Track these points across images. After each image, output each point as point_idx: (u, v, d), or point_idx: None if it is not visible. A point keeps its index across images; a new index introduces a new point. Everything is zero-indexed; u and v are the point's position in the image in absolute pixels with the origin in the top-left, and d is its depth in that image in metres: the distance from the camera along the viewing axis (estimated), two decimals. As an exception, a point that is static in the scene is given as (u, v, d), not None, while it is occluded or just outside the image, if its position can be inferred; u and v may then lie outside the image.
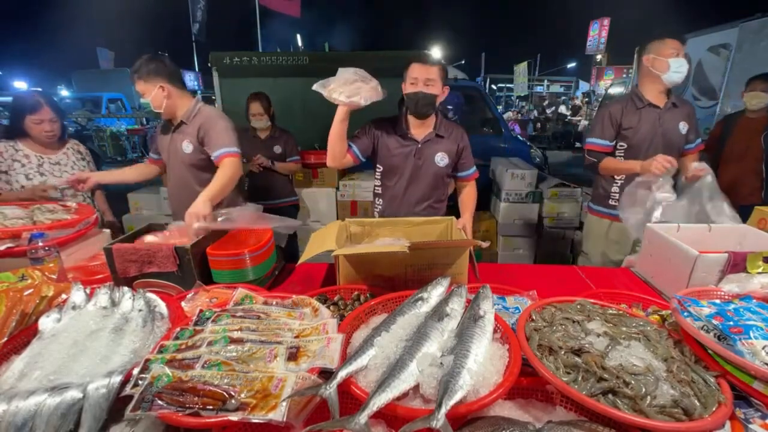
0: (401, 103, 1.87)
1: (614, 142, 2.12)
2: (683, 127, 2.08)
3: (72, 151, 2.24)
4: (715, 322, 0.88)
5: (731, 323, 0.86)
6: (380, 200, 1.98)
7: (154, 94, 1.88)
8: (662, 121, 2.05)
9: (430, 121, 1.86)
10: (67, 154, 2.21)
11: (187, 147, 1.96)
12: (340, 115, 1.67)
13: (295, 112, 3.98)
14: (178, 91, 1.94)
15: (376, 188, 2.00)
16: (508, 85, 23.69)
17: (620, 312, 1.06)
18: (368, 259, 1.32)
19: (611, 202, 2.22)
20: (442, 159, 1.88)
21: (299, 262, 1.39)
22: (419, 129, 1.87)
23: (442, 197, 2.00)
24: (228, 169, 1.85)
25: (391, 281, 1.33)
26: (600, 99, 10.19)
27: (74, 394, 0.72)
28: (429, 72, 1.71)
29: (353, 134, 1.88)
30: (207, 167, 1.97)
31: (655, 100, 2.06)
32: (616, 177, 2.18)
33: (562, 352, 0.87)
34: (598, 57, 21.02)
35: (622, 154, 2.13)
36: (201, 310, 1.02)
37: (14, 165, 2.05)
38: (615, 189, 2.20)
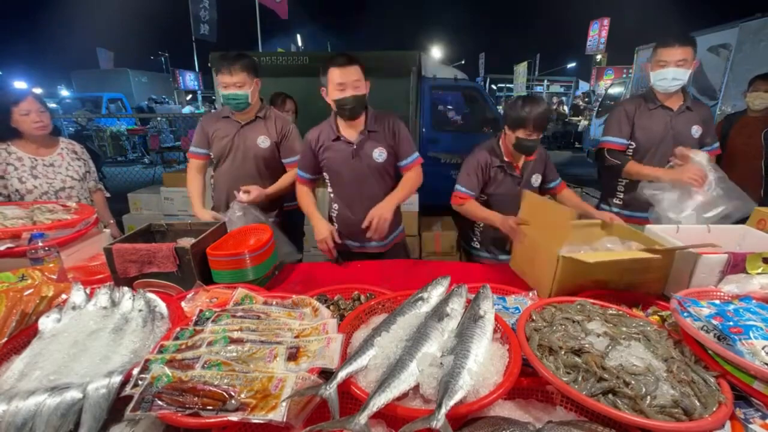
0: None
1: (629, 141, 2.11)
2: (696, 131, 2.06)
3: (67, 151, 2.18)
4: (714, 322, 0.88)
5: (731, 323, 0.86)
6: (336, 205, 1.97)
7: (253, 88, 2.02)
8: (674, 124, 2.03)
9: (360, 120, 1.84)
10: (61, 154, 2.15)
11: (264, 142, 2.11)
12: (309, 217, 1.89)
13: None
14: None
15: (330, 194, 1.99)
16: (508, 85, 23.66)
17: (620, 312, 1.06)
18: (589, 265, 1.25)
19: (616, 201, 2.22)
20: (380, 154, 1.85)
21: None
22: (350, 129, 1.84)
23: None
24: (293, 176, 2.09)
25: (604, 284, 1.31)
26: (600, 99, 10.20)
27: (74, 394, 0.72)
28: (353, 74, 1.70)
29: (300, 159, 1.92)
30: (274, 162, 2.18)
31: (668, 102, 2.05)
32: (620, 178, 2.17)
33: (562, 352, 0.87)
34: (598, 57, 20.97)
35: (631, 154, 2.12)
36: (201, 310, 1.02)
37: (8, 168, 1.99)
38: (620, 188, 2.20)
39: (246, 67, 1.97)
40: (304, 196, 1.94)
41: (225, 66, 1.94)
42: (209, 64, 4.01)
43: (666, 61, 1.93)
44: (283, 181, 2.17)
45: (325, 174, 1.93)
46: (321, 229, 1.82)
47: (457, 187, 1.92)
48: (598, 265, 1.24)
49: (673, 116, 2.04)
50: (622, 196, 2.20)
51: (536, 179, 2.01)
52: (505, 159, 1.90)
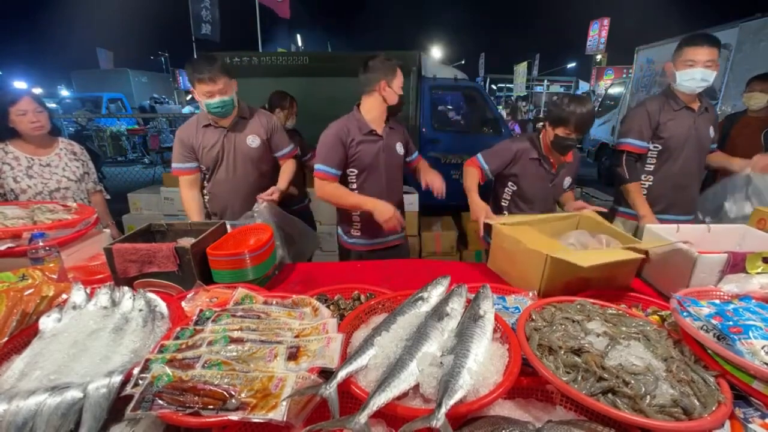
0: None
1: (650, 144, 2.08)
2: (712, 132, 2.07)
3: (65, 151, 2.16)
4: (714, 322, 0.88)
5: (730, 323, 0.86)
6: None
7: (234, 93, 1.94)
8: (696, 125, 2.02)
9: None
10: (59, 155, 2.13)
11: (254, 141, 2.06)
12: (362, 204, 1.85)
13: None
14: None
15: (353, 191, 1.96)
16: (508, 85, 23.68)
17: (620, 312, 1.06)
18: (577, 265, 1.27)
19: None
20: (401, 148, 1.99)
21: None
22: (379, 125, 1.91)
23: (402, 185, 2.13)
24: (292, 166, 2.21)
25: (587, 280, 1.36)
26: (600, 99, 10.20)
27: (75, 393, 0.72)
28: None
29: (323, 154, 1.84)
30: (267, 159, 2.16)
31: (689, 103, 2.02)
32: (642, 177, 2.14)
33: (562, 352, 0.87)
34: (598, 57, 20.98)
35: (655, 156, 2.09)
36: (201, 310, 1.02)
37: (3, 168, 1.99)
38: (643, 190, 2.15)
39: (224, 70, 1.87)
40: (340, 189, 1.87)
41: (205, 74, 1.81)
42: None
43: (694, 60, 1.88)
44: (287, 173, 2.16)
45: (350, 170, 1.91)
46: (385, 207, 1.78)
47: (479, 155, 1.95)
48: (584, 266, 1.25)
49: (696, 117, 2.02)
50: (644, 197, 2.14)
51: (568, 182, 2.02)
52: (543, 153, 1.92)
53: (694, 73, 1.89)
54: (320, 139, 1.85)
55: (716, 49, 1.89)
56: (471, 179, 1.89)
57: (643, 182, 2.15)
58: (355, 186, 1.94)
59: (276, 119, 2.18)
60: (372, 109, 1.88)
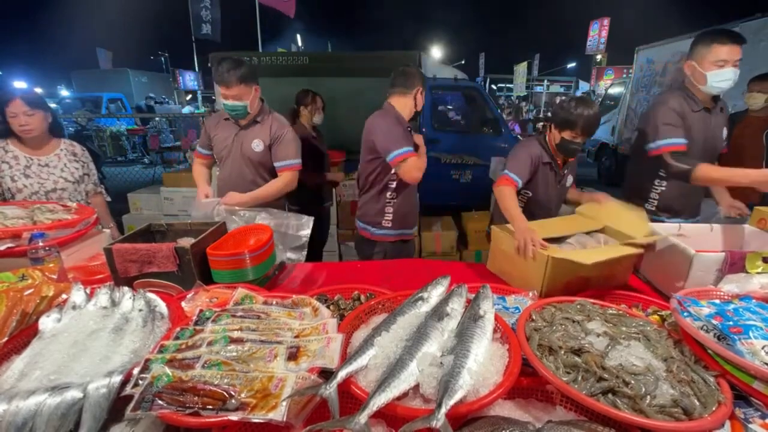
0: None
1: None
2: (724, 132, 2.00)
3: (65, 152, 2.14)
4: (714, 322, 0.88)
5: (731, 323, 0.86)
6: (394, 193, 2.04)
7: (252, 96, 1.98)
8: (712, 127, 1.92)
9: None
10: (59, 155, 2.11)
11: (258, 146, 2.08)
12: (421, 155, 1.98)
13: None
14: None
15: (390, 183, 2.03)
16: (508, 85, 23.73)
17: (620, 312, 1.06)
18: (578, 264, 1.27)
19: (649, 207, 2.02)
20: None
21: None
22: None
23: None
24: (283, 180, 2.10)
25: (587, 279, 1.37)
26: (600, 99, 10.19)
27: (74, 393, 0.72)
28: None
29: (398, 139, 1.88)
30: (268, 165, 2.14)
31: (706, 103, 1.90)
32: (656, 182, 1.99)
33: (562, 352, 0.87)
34: (598, 57, 20.98)
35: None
36: (201, 310, 1.02)
37: (2, 167, 1.98)
38: (654, 195, 2.02)
39: (242, 78, 1.89)
40: (413, 159, 1.90)
41: (221, 80, 1.89)
42: (209, 64, 4.00)
43: (726, 60, 1.75)
44: (271, 186, 2.08)
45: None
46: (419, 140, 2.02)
47: (507, 171, 1.85)
48: (588, 263, 1.26)
49: (712, 118, 1.92)
50: (656, 203, 2.03)
51: (570, 180, 2.03)
52: (552, 155, 1.93)
53: (726, 74, 1.74)
54: (384, 129, 1.92)
55: (742, 47, 1.78)
56: (511, 201, 1.71)
57: (656, 186, 2.01)
58: (393, 171, 2.00)
59: (287, 130, 2.11)
60: (405, 108, 2.00)
